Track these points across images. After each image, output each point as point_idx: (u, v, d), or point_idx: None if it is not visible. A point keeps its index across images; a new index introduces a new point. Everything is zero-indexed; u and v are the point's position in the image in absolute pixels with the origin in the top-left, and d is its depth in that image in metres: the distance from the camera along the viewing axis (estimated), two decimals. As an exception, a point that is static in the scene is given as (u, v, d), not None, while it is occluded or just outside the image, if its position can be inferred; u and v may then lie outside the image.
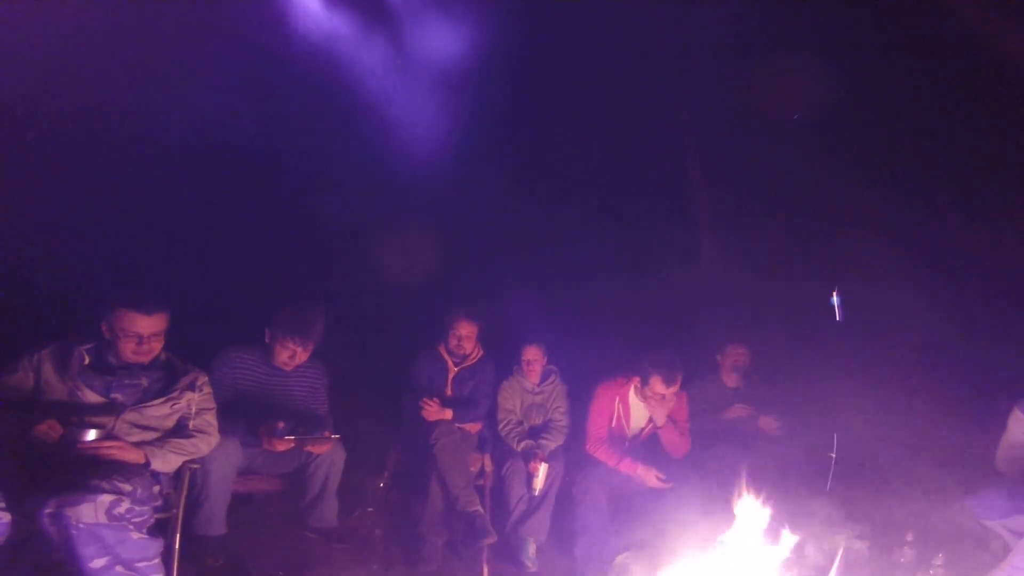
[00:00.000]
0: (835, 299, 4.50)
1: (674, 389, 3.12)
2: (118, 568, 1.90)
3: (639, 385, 3.20)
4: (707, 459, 3.38)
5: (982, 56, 3.95)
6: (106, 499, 1.86)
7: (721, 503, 2.63)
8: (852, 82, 4.32)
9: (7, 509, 1.82)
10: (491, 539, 2.84)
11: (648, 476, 3.11)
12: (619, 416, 3.31)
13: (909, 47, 4.23)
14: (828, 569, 2.46)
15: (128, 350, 2.24)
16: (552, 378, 3.52)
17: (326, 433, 2.67)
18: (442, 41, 4.35)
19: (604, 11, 4.49)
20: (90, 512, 1.83)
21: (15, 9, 3.18)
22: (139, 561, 1.94)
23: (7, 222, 3.28)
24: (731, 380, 3.80)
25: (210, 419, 2.42)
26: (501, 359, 3.51)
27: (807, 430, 3.58)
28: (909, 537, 2.83)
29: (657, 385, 3.09)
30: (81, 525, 1.81)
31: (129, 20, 3.45)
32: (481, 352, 3.42)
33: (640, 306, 4.37)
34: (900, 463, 3.49)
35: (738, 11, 4.29)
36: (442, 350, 3.37)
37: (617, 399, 3.29)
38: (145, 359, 2.29)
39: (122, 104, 3.63)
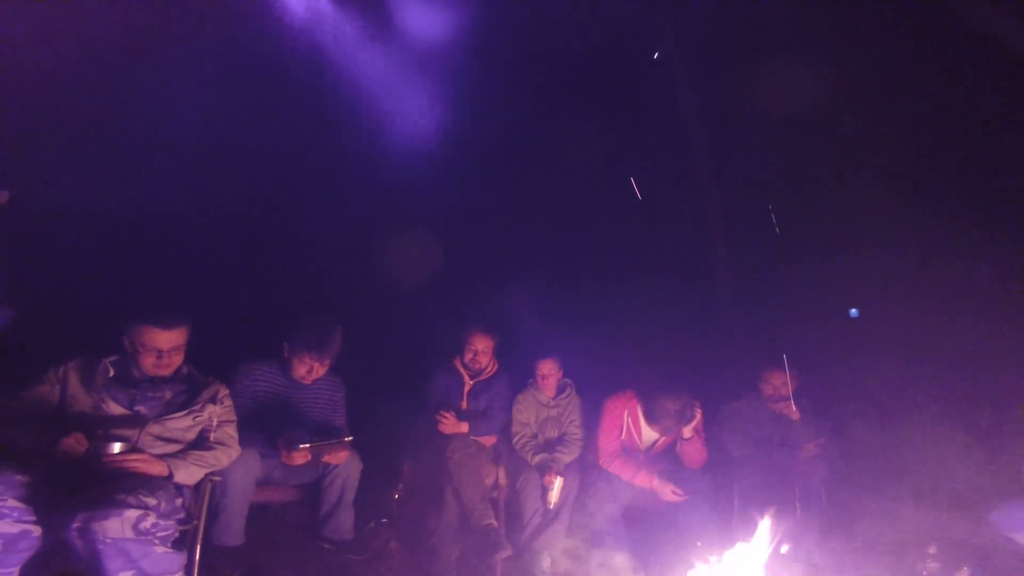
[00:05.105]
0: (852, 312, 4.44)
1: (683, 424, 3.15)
2: (142, 581, 1.92)
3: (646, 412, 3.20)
4: (732, 480, 3.34)
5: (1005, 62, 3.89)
6: (132, 514, 1.89)
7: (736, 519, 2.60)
8: (874, 99, 4.28)
9: (36, 523, 1.85)
10: (505, 553, 2.83)
11: (664, 490, 3.09)
12: (629, 429, 3.30)
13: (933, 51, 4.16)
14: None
15: (149, 364, 2.28)
16: (567, 391, 3.52)
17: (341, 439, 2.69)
18: (450, 41, 4.33)
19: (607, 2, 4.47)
20: (117, 527, 1.85)
21: (15, 11, 3.17)
22: (163, 574, 1.97)
23: (26, 237, 3.34)
24: (777, 407, 3.46)
25: (231, 431, 2.46)
26: (517, 372, 3.51)
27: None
28: (932, 550, 2.79)
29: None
30: (108, 540, 1.84)
31: (115, 22, 3.39)
32: (496, 366, 3.43)
33: (657, 318, 4.34)
34: (924, 473, 3.43)
35: (747, 4, 4.25)
36: (457, 364, 3.38)
37: (626, 412, 3.28)
38: (166, 372, 2.34)
39: (128, 115, 3.66)
